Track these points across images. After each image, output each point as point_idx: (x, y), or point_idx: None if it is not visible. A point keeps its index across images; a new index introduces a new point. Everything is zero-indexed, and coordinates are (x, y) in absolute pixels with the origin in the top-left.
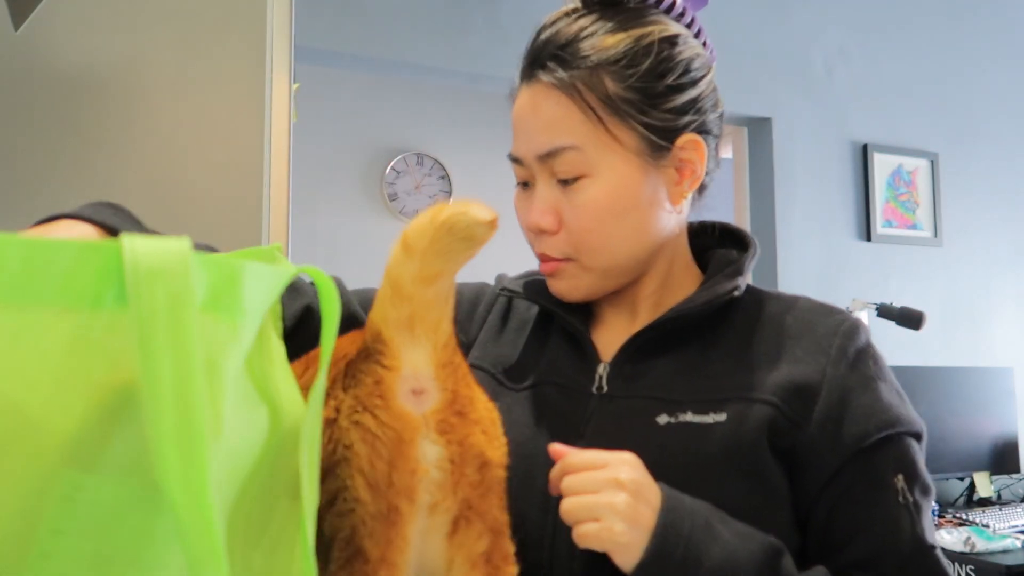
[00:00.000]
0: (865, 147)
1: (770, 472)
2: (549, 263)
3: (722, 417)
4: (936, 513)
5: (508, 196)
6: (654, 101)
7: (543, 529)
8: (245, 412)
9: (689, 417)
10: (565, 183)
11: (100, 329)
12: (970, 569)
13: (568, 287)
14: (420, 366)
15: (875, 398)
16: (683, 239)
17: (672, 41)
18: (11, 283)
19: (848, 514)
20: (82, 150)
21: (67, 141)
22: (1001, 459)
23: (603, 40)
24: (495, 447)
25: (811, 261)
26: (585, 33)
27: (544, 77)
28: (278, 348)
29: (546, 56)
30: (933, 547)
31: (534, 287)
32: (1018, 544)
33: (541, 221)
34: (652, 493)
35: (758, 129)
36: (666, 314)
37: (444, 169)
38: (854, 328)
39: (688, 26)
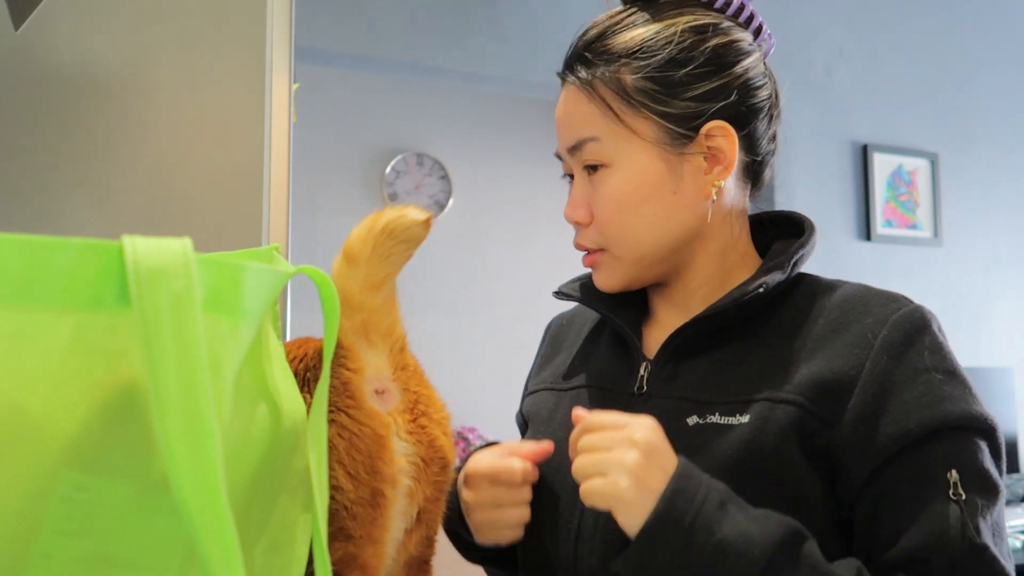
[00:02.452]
0: (865, 147)
1: (798, 476)
2: (587, 257)
3: (745, 419)
4: None
5: (508, 196)
6: (673, 90)
7: (571, 524)
8: (245, 411)
9: (716, 418)
10: (593, 172)
11: (100, 329)
12: None
13: (605, 278)
14: (380, 368)
15: (923, 392)
16: (737, 230)
17: (699, 30)
18: (11, 283)
19: (892, 513)
20: (82, 150)
21: (67, 141)
22: None
23: (628, 34)
24: (451, 447)
25: (811, 261)
26: (615, 28)
27: (571, 78)
28: (277, 348)
29: (574, 58)
30: (986, 547)
31: (588, 289)
32: (1018, 544)
33: (574, 214)
34: (667, 458)
35: None
36: (700, 313)
37: (444, 169)
38: (909, 317)
39: (735, 15)
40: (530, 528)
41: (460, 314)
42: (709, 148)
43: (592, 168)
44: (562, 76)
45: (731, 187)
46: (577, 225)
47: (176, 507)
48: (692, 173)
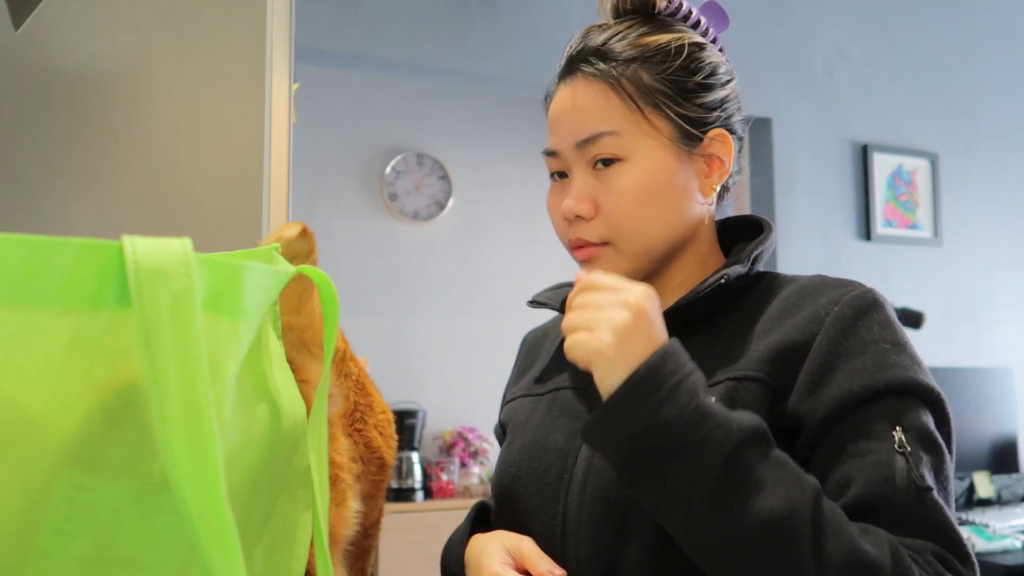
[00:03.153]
0: (865, 147)
1: None
2: (585, 249)
3: (711, 400)
4: None
5: (508, 195)
6: (686, 95)
7: (555, 519)
8: (245, 411)
9: None
10: (603, 167)
11: (100, 329)
12: None
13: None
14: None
15: (870, 360)
16: (711, 234)
17: (700, 46)
18: (12, 283)
19: (839, 467)
20: (82, 150)
21: (67, 141)
22: (1001, 459)
23: (639, 39)
24: (390, 447)
25: (811, 261)
26: (621, 34)
27: (585, 70)
28: (277, 348)
29: (585, 54)
30: (930, 488)
31: (560, 298)
32: (1018, 544)
33: (578, 207)
34: (656, 328)
35: (758, 129)
36: (669, 307)
37: (444, 169)
38: (861, 296)
39: (712, 42)
40: (510, 529)
41: (460, 314)
42: (710, 153)
43: (605, 162)
44: (567, 72)
45: (716, 192)
46: (578, 220)
47: (176, 507)
48: (696, 174)
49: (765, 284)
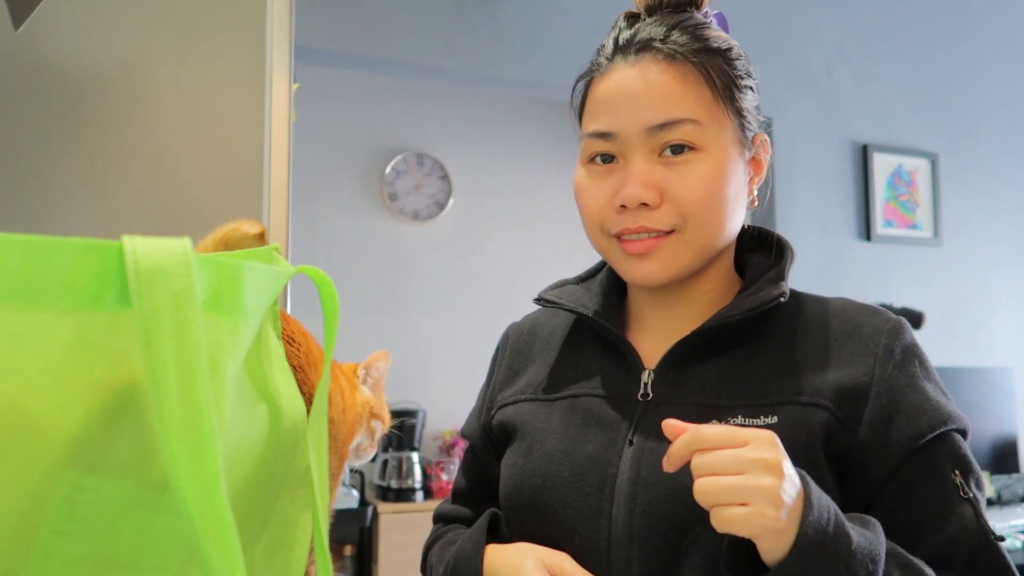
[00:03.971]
0: (865, 147)
1: (822, 475)
2: (644, 243)
3: (773, 420)
4: None
5: (508, 195)
6: (745, 95)
7: (598, 534)
8: (245, 411)
9: (739, 420)
10: (675, 153)
11: (100, 329)
12: None
13: (661, 266)
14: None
15: (924, 397)
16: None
17: (739, 50)
18: (12, 283)
19: (912, 512)
20: (82, 150)
21: (67, 141)
22: (1001, 459)
23: (703, 31)
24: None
25: (811, 261)
26: (680, 27)
27: (661, 48)
28: (277, 348)
29: (650, 38)
30: (996, 541)
31: (571, 298)
32: (1018, 544)
33: (644, 194)
34: (792, 472)
35: None
36: (711, 320)
37: (444, 169)
38: (898, 327)
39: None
40: (536, 540)
41: (460, 314)
42: (754, 157)
43: (675, 150)
44: (637, 49)
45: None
46: (640, 208)
47: (176, 507)
48: (746, 177)
49: (791, 301)
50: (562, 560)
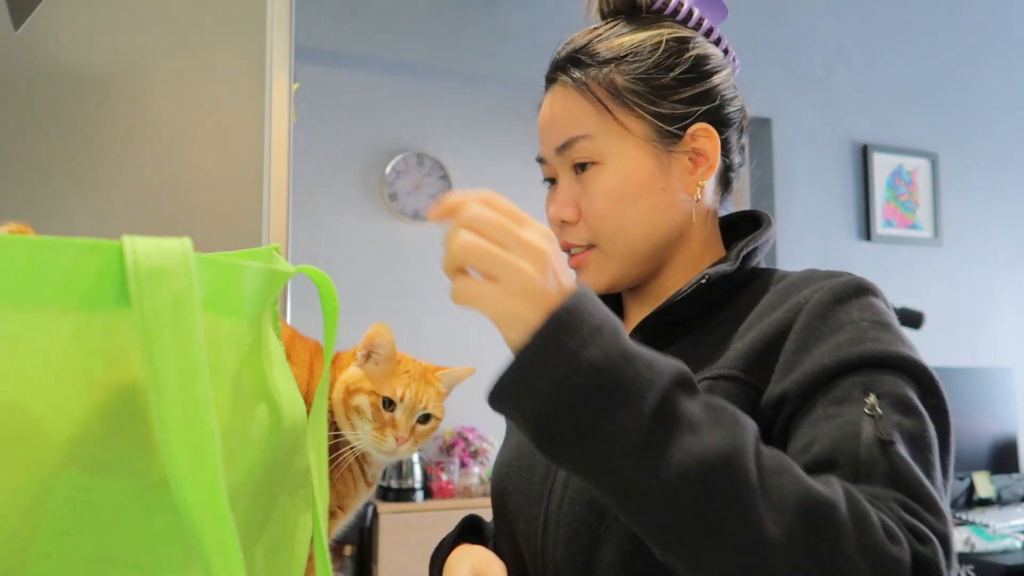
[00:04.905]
0: (865, 147)
1: None
2: (574, 258)
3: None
4: None
5: (508, 195)
6: (662, 92)
7: (536, 520)
8: (245, 411)
9: None
10: (582, 172)
11: (100, 329)
12: (970, 569)
13: (592, 278)
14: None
15: (845, 338)
16: (711, 231)
17: (681, 40)
18: (13, 283)
19: (806, 430)
20: (82, 150)
21: (67, 141)
22: (1001, 459)
23: (614, 41)
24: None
25: (811, 261)
26: (600, 37)
27: (561, 79)
28: (277, 348)
29: (564, 62)
30: (893, 443)
31: None
32: (1018, 544)
33: (561, 212)
34: (566, 274)
35: (758, 129)
36: (658, 307)
37: (444, 169)
38: (846, 283)
39: (707, 34)
40: (500, 528)
41: (459, 313)
42: (694, 149)
43: (581, 167)
44: (549, 79)
45: (709, 190)
46: (564, 225)
47: (176, 506)
48: (679, 172)
49: (760, 281)
50: (490, 567)
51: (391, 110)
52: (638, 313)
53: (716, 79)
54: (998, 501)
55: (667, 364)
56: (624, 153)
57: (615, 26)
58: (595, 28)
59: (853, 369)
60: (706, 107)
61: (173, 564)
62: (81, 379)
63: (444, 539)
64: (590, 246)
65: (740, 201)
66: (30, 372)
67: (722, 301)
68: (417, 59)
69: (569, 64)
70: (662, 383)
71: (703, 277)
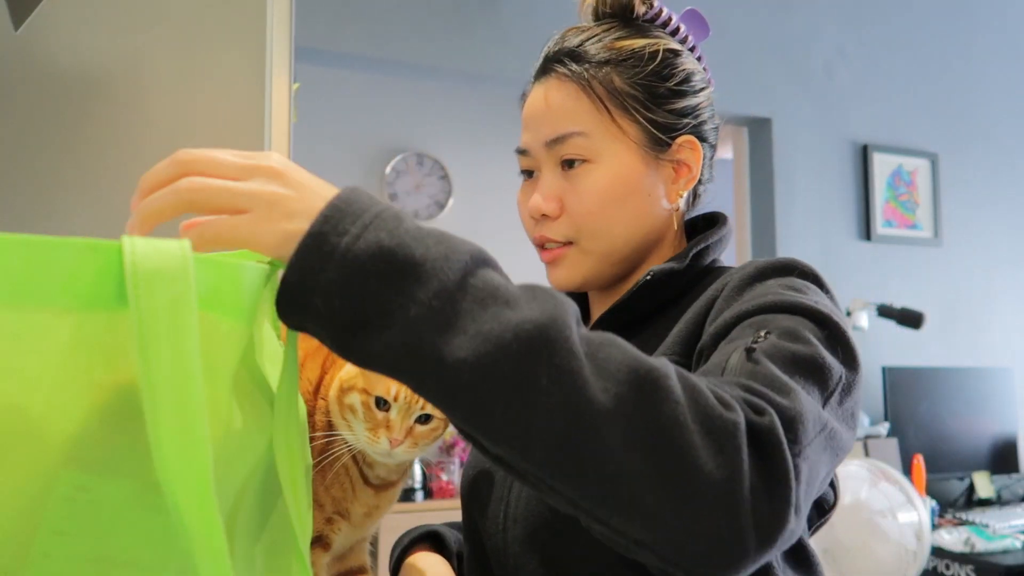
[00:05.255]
0: (865, 147)
1: None
2: (550, 252)
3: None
4: (936, 513)
5: (508, 195)
6: (656, 100)
7: (498, 516)
8: (244, 411)
9: None
10: (569, 168)
11: (100, 329)
12: (970, 569)
13: (567, 274)
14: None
15: (758, 294)
16: (678, 238)
17: (676, 52)
18: (12, 283)
19: (699, 367)
20: (82, 150)
21: (67, 141)
22: (1001, 459)
23: (614, 43)
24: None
25: (811, 261)
26: (598, 37)
27: (559, 70)
28: (276, 348)
29: (562, 55)
30: (755, 351)
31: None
32: (1018, 544)
33: (545, 206)
34: (320, 187)
35: (758, 129)
36: (608, 308)
37: (444, 169)
38: (777, 260)
39: (690, 50)
40: (467, 527)
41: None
42: (679, 159)
43: (569, 163)
44: (542, 71)
45: (685, 199)
46: (543, 218)
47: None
48: (663, 179)
49: (711, 278)
50: None
51: (391, 110)
52: (601, 309)
53: (702, 95)
54: (998, 501)
55: (464, 242)
56: (616, 154)
57: (610, 28)
58: (591, 27)
59: (752, 315)
60: (693, 122)
61: (173, 564)
62: (81, 379)
63: (402, 538)
64: (568, 242)
65: (741, 200)
66: (30, 372)
67: (672, 300)
68: (417, 59)
69: (568, 58)
70: (463, 258)
71: (648, 274)
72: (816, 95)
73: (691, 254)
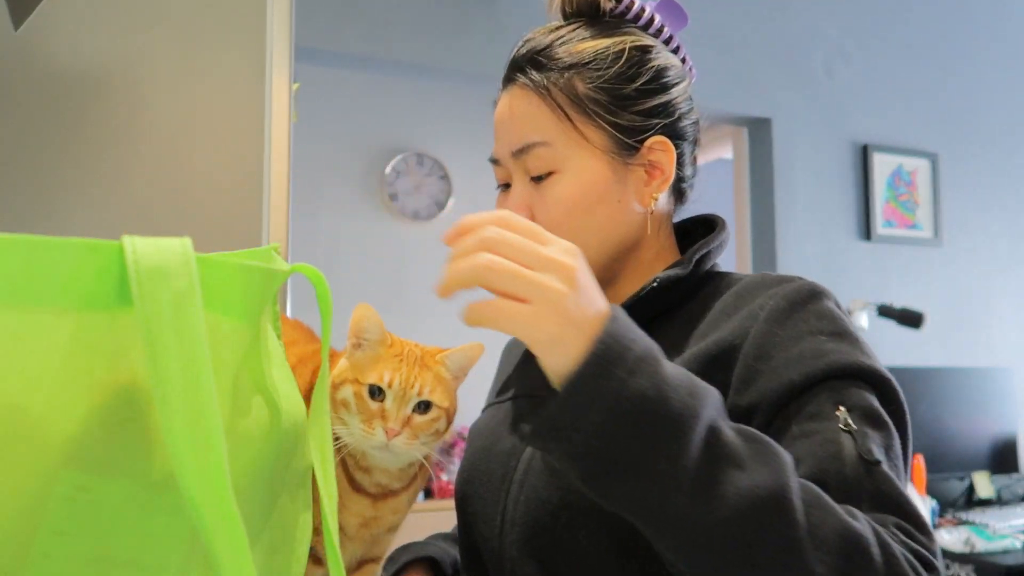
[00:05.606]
0: (865, 147)
1: None
2: None
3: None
4: (936, 513)
5: None
6: (622, 103)
7: (495, 520)
8: (244, 411)
9: None
10: (537, 180)
11: (100, 329)
12: (970, 569)
13: None
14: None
15: (806, 349)
16: (664, 240)
17: (644, 49)
18: (12, 283)
19: (789, 446)
20: (82, 150)
21: (67, 141)
22: (1001, 459)
23: (577, 46)
24: None
25: (811, 261)
26: (562, 40)
27: (521, 80)
28: (276, 347)
29: (524, 62)
30: (878, 462)
31: None
32: (1018, 544)
33: None
34: (598, 291)
35: (758, 129)
36: None
37: (444, 169)
38: (797, 289)
39: (666, 42)
40: (462, 532)
41: (460, 313)
42: (650, 161)
43: (537, 172)
44: (507, 79)
45: (663, 201)
46: None
47: (176, 506)
48: (634, 183)
49: (712, 286)
50: None
51: (391, 110)
52: None
53: (675, 91)
54: (998, 501)
55: (704, 389)
56: (582, 162)
57: (576, 29)
58: (556, 28)
59: (819, 383)
60: (664, 121)
61: (173, 564)
62: (81, 379)
63: (396, 555)
64: None
65: (741, 200)
66: (30, 372)
67: (675, 306)
68: (417, 59)
69: (529, 65)
70: (707, 413)
71: (654, 281)
72: (816, 95)
73: (694, 260)
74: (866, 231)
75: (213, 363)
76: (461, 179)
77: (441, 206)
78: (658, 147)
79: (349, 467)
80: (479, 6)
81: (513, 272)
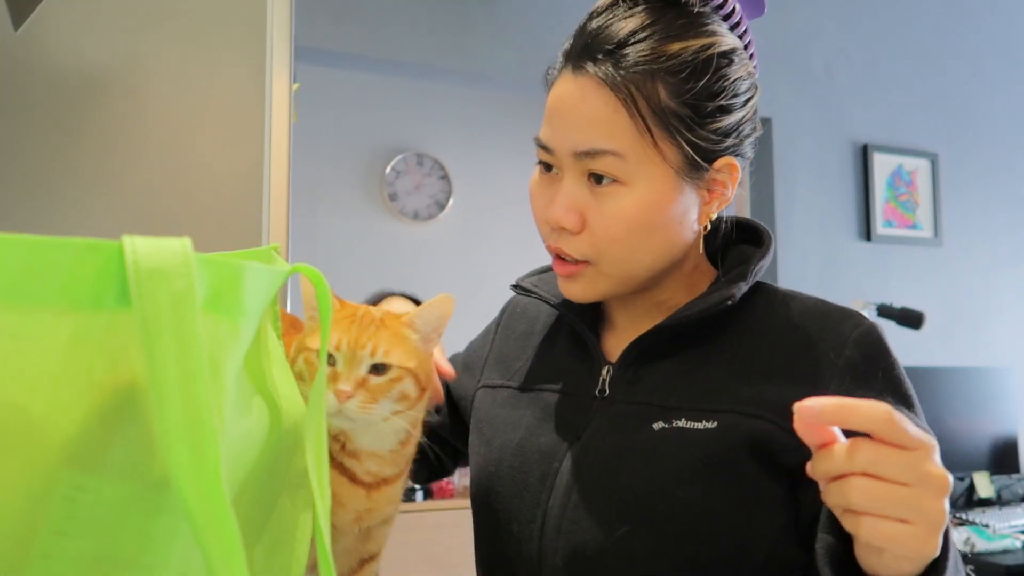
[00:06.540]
0: (865, 147)
1: (761, 479)
2: (566, 266)
3: (712, 425)
4: None
5: (508, 196)
6: (703, 120)
7: (533, 523)
8: (245, 411)
9: (682, 423)
10: (597, 183)
11: (100, 329)
12: (970, 569)
13: (582, 291)
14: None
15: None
16: (699, 248)
17: (729, 57)
18: (11, 283)
19: None
20: (82, 150)
21: (67, 141)
22: (1001, 459)
23: (664, 45)
24: None
25: (811, 261)
26: (644, 33)
27: (595, 70)
28: (276, 347)
29: (599, 48)
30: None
31: (547, 286)
32: (1018, 544)
33: (564, 219)
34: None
35: None
36: (666, 320)
37: (444, 169)
38: (865, 336)
39: (741, 36)
40: (487, 528)
41: (459, 313)
42: (714, 181)
43: (598, 178)
44: (577, 63)
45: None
46: (562, 231)
47: (176, 507)
48: (696, 202)
49: (760, 299)
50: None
51: (391, 110)
52: (623, 316)
53: (748, 107)
54: (998, 501)
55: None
56: (652, 181)
57: (659, 18)
58: (638, 13)
59: None
60: (735, 142)
61: (173, 564)
62: (81, 379)
63: None
64: (584, 261)
65: (740, 200)
66: (30, 372)
67: (724, 315)
68: (417, 59)
69: (608, 57)
70: None
71: (728, 299)
72: (816, 95)
73: (754, 274)
74: (866, 231)
75: (212, 364)
76: (461, 179)
77: (441, 206)
78: (725, 169)
79: (335, 453)
80: (479, 6)
81: (897, 498)
